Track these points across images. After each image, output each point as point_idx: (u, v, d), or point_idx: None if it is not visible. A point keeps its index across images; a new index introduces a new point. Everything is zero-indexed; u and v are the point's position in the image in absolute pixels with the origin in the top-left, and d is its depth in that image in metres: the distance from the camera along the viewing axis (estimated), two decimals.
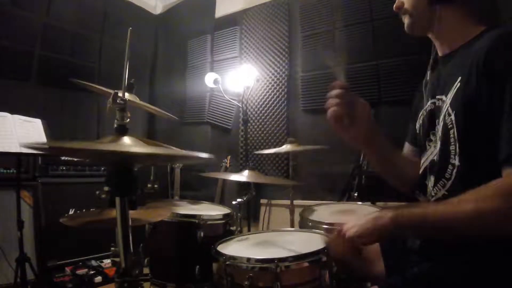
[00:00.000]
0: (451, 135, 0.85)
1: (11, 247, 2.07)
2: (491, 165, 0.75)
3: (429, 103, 1.00)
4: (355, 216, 1.59)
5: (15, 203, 1.93)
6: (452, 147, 0.85)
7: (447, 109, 0.87)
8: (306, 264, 1.05)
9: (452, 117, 0.85)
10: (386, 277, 1.05)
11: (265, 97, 3.30)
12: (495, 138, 0.75)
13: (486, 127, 0.77)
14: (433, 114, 0.97)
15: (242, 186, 2.65)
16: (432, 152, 0.97)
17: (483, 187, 0.72)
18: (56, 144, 0.79)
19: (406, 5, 1.00)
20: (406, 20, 1.02)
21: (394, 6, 1.03)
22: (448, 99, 0.87)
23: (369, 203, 1.85)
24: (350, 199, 2.28)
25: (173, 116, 1.45)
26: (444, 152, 0.88)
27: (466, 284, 0.81)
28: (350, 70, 2.80)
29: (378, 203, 1.98)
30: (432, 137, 0.98)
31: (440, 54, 1.00)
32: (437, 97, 0.94)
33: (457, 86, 0.85)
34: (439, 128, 0.91)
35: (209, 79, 3.05)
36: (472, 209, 0.71)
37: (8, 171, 2.26)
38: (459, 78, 0.84)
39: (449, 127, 0.86)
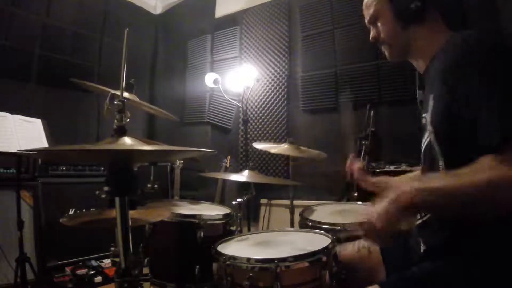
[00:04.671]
0: (436, 152, 0.88)
1: (11, 247, 2.07)
2: None
3: (422, 119, 1.02)
4: (355, 216, 1.59)
5: (15, 203, 1.92)
6: (440, 163, 0.88)
7: (429, 126, 0.90)
8: (306, 264, 1.05)
9: (432, 134, 0.88)
10: (386, 276, 1.05)
11: (265, 97, 3.30)
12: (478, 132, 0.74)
13: (465, 138, 0.78)
14: (424, 130, 0.99)
15: (242, 186, 2.65)
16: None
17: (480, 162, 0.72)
18: (51, 148, 0.79)
19: (382, 35, 1.03)
20: (385, 50, 1.06)
21: (371, 37, 1.07)
22: (428, 116, 0.90)
23: (369, 203, 1.85)
24: (350, 199, 2.27)
25: (172, 116, 1.44)
26: (432, 167, 0.92)
27: (467, 283, 0.81)
28: (350, 70, 2.81)
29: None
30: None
31: (421, 72, 1.03)
32: (424, 115, 0.96)
33: (432, 104, 0.88)
34: (424, 144, 0.96)
35: (209, 79, 3.04)
36: (486, 178, 0.69)
37: (8, 171, 2.26)
38: (432, 96, 0.89)
39: (432, 144, 0.89)
